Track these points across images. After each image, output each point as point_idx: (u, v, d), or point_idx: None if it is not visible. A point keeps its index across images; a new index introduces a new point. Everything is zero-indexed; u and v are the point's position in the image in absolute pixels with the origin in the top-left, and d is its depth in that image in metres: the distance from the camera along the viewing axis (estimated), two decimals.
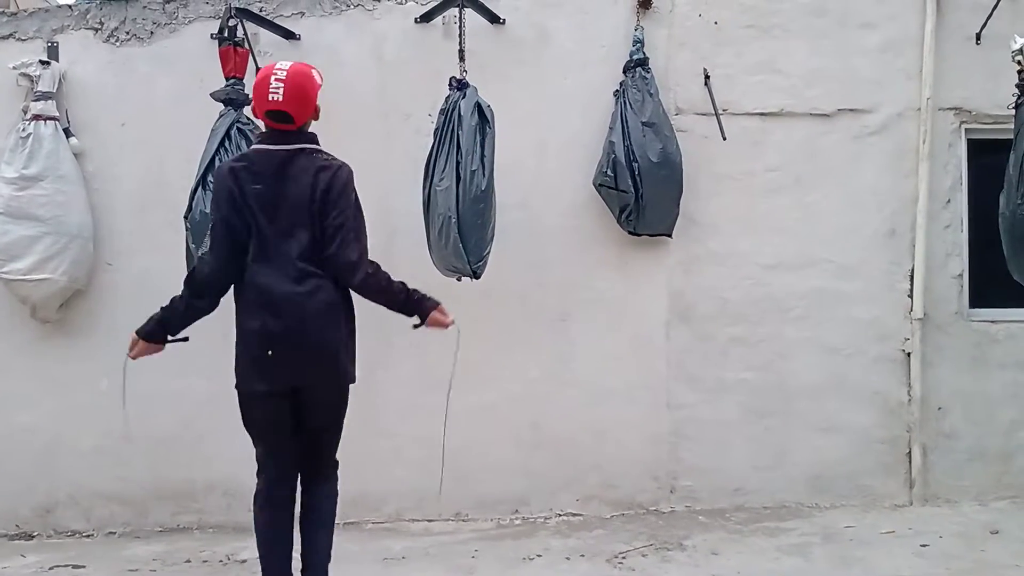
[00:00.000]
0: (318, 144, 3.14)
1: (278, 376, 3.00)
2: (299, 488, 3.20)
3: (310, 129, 3.15)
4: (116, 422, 4.68)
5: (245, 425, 3.12)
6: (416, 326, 3.27)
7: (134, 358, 3.12)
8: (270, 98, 2.96)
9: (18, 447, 4.75)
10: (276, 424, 3.07)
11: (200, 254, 3.17)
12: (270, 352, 2.96)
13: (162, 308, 3.09)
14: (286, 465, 3.13)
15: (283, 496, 3.13)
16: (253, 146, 3.19)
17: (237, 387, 3.07)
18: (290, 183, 3.01)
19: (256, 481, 3.15)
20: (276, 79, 2.96)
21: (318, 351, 3.02)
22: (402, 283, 3.17)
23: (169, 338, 3.13)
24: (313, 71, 3.12)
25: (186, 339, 3.16)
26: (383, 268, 3.15)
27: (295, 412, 3.08)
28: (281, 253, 2.98)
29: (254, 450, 3.14)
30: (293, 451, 3.13)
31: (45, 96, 4.60)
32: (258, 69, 4.48)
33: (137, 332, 3.09)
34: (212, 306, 3.11)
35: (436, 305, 3.24)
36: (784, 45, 4.70)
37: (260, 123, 3.22)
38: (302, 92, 3.03)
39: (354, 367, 3.20)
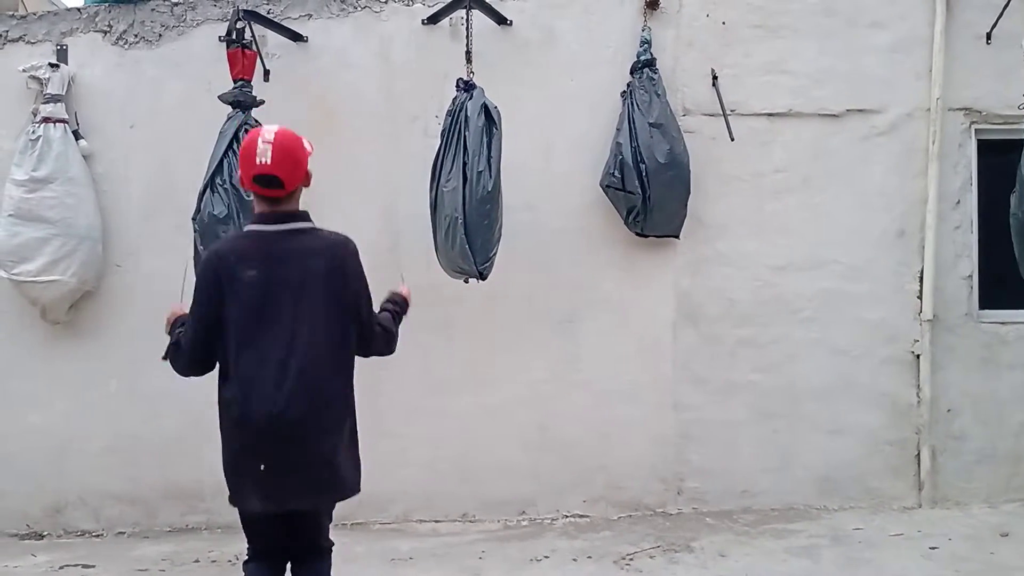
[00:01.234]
0: (311, 221, 2.89)
1: (277, 497, 2.74)
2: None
3: (300, 199, 2.88)
4: (125, 423, 4.74)
5: (246, 534, 2.94)
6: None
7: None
8: (258, 161, 2.70)
9: (28, 447, 4.78)
10: (271, 533, 2.88)
11: (175, 338, 2.85)
12: (262, 467, 2.67)
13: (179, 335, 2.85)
14: (277, 564, 2.97)
15: (280, 563, 2.97)
16: (245, 228, 2.92)
17: (229, 499, 2.82)
18: (295, 267, 2.76)
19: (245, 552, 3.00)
20: (264, 141, 2.73)
21: (321, 473, 2.78)
22: (388, 315, 3.06)
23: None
24: (303, 139, 2.86)
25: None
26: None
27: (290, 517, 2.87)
28: (284, 355, 2.68)
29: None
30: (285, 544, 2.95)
31: (54, 99, 4.64)
32: (266, 72, 4.54)
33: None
34: (188, 375, 2.86)
35: (402, 296, 3.21)
36: (792, 45, 4.68)
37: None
38: (291, 155, 2.77)
39: (359, 474, 2.98)
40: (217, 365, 2.77)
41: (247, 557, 2.97)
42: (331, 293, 2.78)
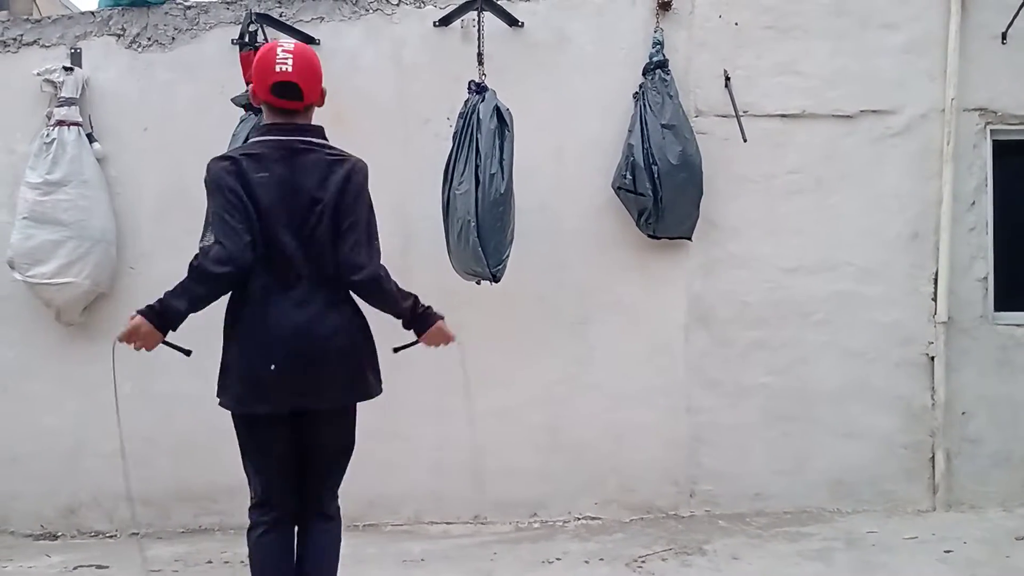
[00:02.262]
0: (326, 139, 2.83)
1: (293, 393, 2.69)
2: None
3: (314, 119, 2.82)
4: (139, 424, 4.73)
5: (244, 457, 2.83)
6: (397, 349, 3.07)
7: (127, 340, 2.63)
8: (278, 68, 2.63)
9: (43, 449, 4.81)
10: (282, 455, 2.80)
11: (203, 245, 2.75)
12: (272, 367, 2.64)
13: (168, 292, 2.66)
14: (286, 501, 2.86)
15: (288, 530, 2.87)
16: (253, 138, 2.82)
17: (232, 408, 2.75)
18: (302, 176, 2.69)
19: (249, 515, 2.86)
20: (284, 50, 2.67)
21: (345, 363, 2.78)
22: (411, 293, 2.93)
23: (170, 339, 2.70)
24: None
25: (188, 352, 2.80)
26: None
27: (302, 436, 2.82)
28: (292, 258, 2.67)
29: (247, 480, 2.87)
30: (296, 482, 2.87)
31: (68, 102, 4.66)
32: None
33: (142, 313, 2.62)
34: (229, 278, 2.65)
35: (441, 318, 3.03)
36: (805, 46, 4.65)
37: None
38: (311, 65, 2.72)
39: (379, 377, 2.96)
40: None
41: (251, 522, 2.83)
42: (331, 207, 2.70)
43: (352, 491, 4.70)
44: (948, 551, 4.05)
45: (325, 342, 2.71)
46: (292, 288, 2.68)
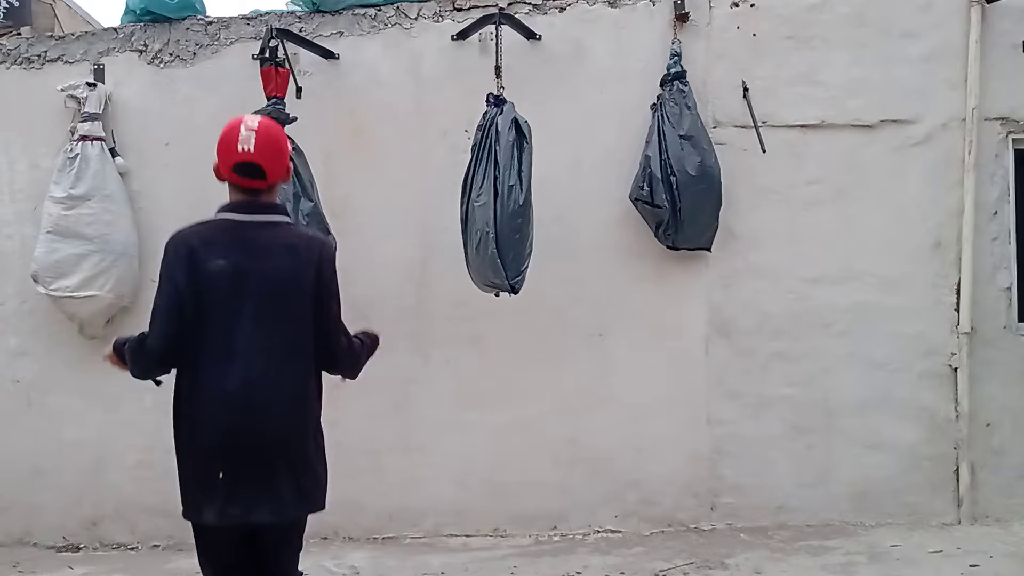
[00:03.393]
0: (288, 215, 2.78)
1: (238, 509, 2.52)
2: None
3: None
4: (161, 437, 4.76)
5: (201, 565, 2.70)
6: None
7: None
8: (240, 148, 2.53)
9: (66, 461, 4.85)
10: (233, 560, 2.66)
11: (133, 341, 2.64)
12: (221, 475, 2.49)
13: (126, 341, 2.66)
14: None
15: None
16: (214, 216, 2.66)
17: (186, 515, 2.63)
18: (264, 263, 2.55)
19: None
20: (247, 128, 2.56)
21: (285, 483, 2.58)
22: (358, 341, 2.82)
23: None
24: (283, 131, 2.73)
25: (159, 383, 2.74)
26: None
27: (253, 542, 2.66)
28: (249, 349, 2.52)
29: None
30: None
31: (92, 117, 4.72)
32: (299, 89, 4.58)
33: (113, 345, 2.68)
34: (157, 372, 2.66)
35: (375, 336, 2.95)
36: (824, 56, 4.64)
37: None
38: (275, 144, 2.63)
39: (325, 490, 2.75)
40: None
41: None
42: (303, 293, 2.58)
43: (372, 504, 4.76)
44: (974, 565, 3.99)
45: (284, 447, 2.56)
46: (244, 386, 2.51)
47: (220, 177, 2.67)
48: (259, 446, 2.52)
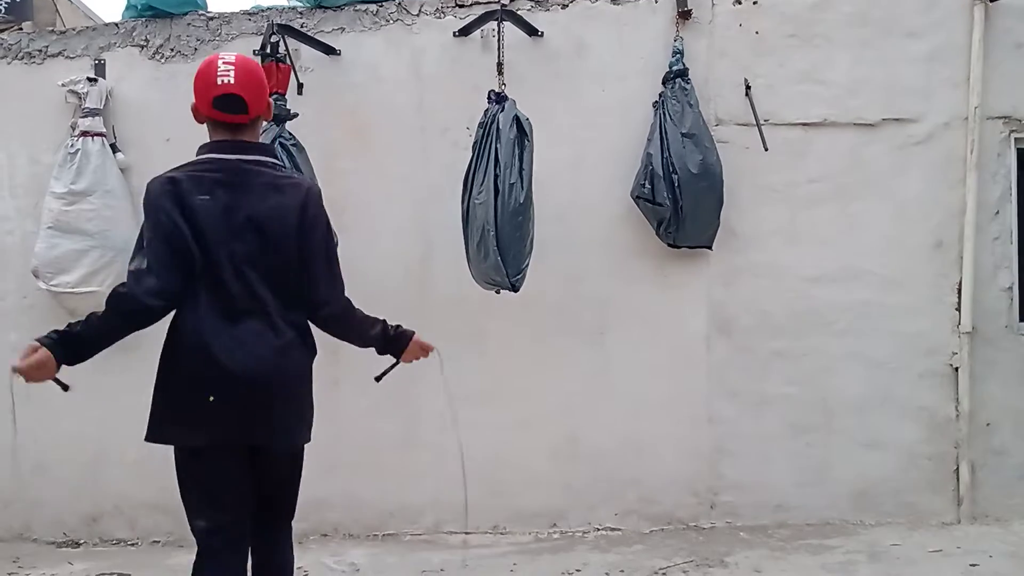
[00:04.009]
0: (276, 156, 2.69)
1: (237, 427, 2.50)
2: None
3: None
4: None
5: (183, 489, 2.61)
6: (379, 377, 2.98)
7: (21, 371, 2.38)
8: (219, 81, 2.45)
9: (65, 457, 4.85)
10: (233, 484, 2.58)
11: (133, 268, 2.49)
12: (211, 398, 2.46)
13: (78, 323, 2.47)
14: (243, 535, 2.65)
15: (245, 556, 2.67)
16: (197, 156, 2.58)
17: (175, 440, 2.55)
18: (250, 201, 2.50)
19: (200, 540, 2.63)
20: (224, 62, 2.48)
21: (290, 405, 2.62)
22: (377, 318, 2.80)
23: (58, 372, 2.46)
24: None
25: (67, 388, 2.56)
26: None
27: (253, 470, 2.64)
28: (237, 289, 2.48)
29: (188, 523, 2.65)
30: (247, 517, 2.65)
31: (92, 113, 4.71)
32: (300, 85, 4.57)
33: (40, 341, 2.39)
34: (157, 313, 2.49)
35: (414, 333, 2.91)
36: (827, 54, 4.62)
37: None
38: (255, 76, 2.54)
39: (311, 425, 2.76)
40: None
41: (205, 548, 2.60)
42: (291, 234, 2.53)
43: (372, 501, 4.77)
44: (973, 565, 3.99)
45: (272, 382, 2.53)
46: (237, 321, 2.48)
47: (199, 117, 2.59)
48: (251, 388, 2.49)
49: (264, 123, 4.17)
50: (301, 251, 2.56)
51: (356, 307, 2.75)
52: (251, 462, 2.61)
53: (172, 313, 2.54)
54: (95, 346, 2.47)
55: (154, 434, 2.56)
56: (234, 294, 2.48)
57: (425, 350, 2.95)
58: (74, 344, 2.43)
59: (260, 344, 2.50)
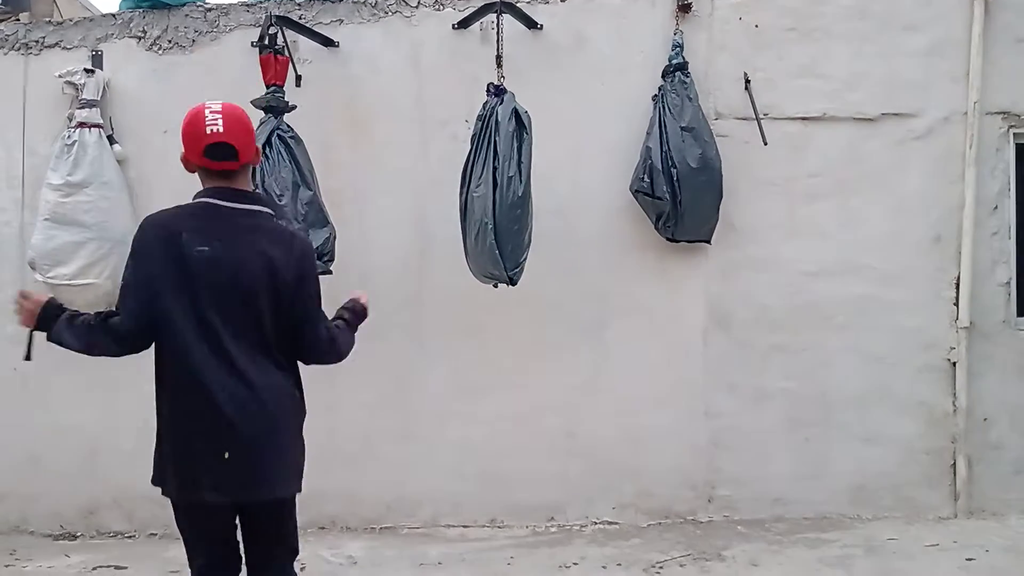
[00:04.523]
0: (267, 205, 2.73)
1: (233, 485, 2.53)
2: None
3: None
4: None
5: (184, 538, 2.66)
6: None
7: (22, 305, 2.61)
8: (208, 131, 2.48)
9: (63, 449, 4.84)
10: (225, 538, 2.67)
11: (116, 306, 2.58)
12: (227, 455, 2.49)
13: (69, 316, 2.59)
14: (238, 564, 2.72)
15: None
16: (193, 202, 2.62)
17: (170, 495, 2.59)
18: (248, 253, 2.53)
19: None
20: (212, 111, 2.51)
21: (283, 460, 2.65)
22: (342, 323, 2.85)
23: (32, 341, 2.66)
24: None
25: (29, 357, 2.72)
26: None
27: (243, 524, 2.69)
28: (235, 338, 2.51)
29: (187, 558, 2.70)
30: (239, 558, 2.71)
31: (89, 104, 4.68)
32: (298, 77, 4.55)
33: (48, 301, 2.61)
34: (118, 355, 2.59)
35: (362, 306, 2.95)
36: (826, 48, 4.62)
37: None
38: (243, 123, 2.58)
39: (302, 474, 2.79)
40: (154, 349, 2.57)
41: None
42: (286, 285, 2.56)
43: (369, 494, 4.77)
44: (970, 559, 4.01)
45: (269, 432, 2.58)
46: (233, 369, 2.51)
47: (190, 167, 2.62)
48: (245, 436, 2.52)
49: (268, 114, 4.22)
50: (295, 301, 2.61)
51: (334, 329, 2.78)
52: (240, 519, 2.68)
53: (158, 359, 2.59)
54: (71, 346, 2.60)
55: (156, 485, 2.64)
56: (227, 344, 2.50)
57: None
58: (63, 328, 2.57)
59: (252, 395, 2.53)
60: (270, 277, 2.55)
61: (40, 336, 2.63)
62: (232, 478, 2.52)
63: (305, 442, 2.78)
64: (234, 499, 2.59)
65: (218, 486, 2.52)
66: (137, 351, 2.59)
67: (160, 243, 2.50)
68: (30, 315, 2.59)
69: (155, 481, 2.62)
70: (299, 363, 2.73)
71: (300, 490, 2.74)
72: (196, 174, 2.64)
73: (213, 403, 2.48)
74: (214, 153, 2.52)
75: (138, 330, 2.53)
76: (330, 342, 2.74)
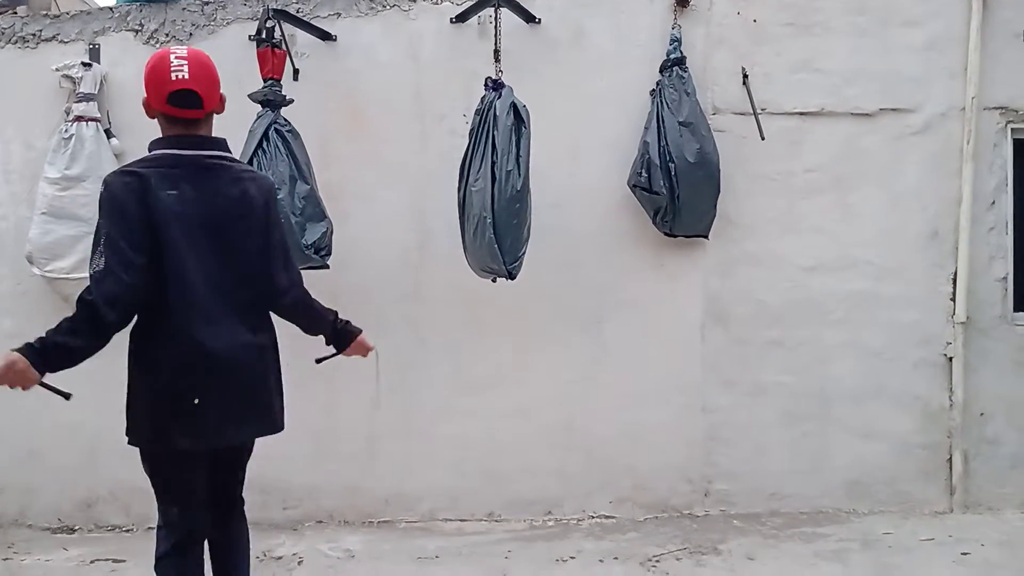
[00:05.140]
0: (230, 150, 2.69)
1: (218, 432, 2.57)
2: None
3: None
4: None
5: (159, 487, 2.70)
6: (319, 360, 3.04)
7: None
8: (173, 76, 2.43)
9: (61, 443, 4.84)
10: (200, 483, 2.70)
11: (93, 271, 2.43)
12: (196, 401, 2.50)
13: (52, 332, 2.43)
14: (204, 520, 2.75)
15: (199, 554, 2.75)
16: (154, 152, 2.54)
17: (151, 444, 2.63)
18: (216, 196, 2.52)
19: (158, 543, 2.75)
20: (177, 57, 2.47)
21: (266, 407, 2.70)
22: (331, 309, 2.91)
23: (47, 382, 2.51)
24: None
25: (68, 396, 2.64)
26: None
27: (217, 460, 2.76)
28: (207, 284, 2.49)
29: (157, 507, 2.76)
30: (207, 503, 2.76)
31: (87, 98, 4.67)
32: (295, 70, 4.55)
33: (20, 351, 2.40)
34: (120, 325, 2.48)
35: (360, 331, 2.98)
36: (824, 43, 4.61)
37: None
38: (209, 71, 2.54)
39: (283, 412, 2.83)
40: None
41: (168, 545, 2.69)
42: (256, 228, 2.58)
43: (368, 488, 4.78)
44: (965, 553, 4.03)
45: (250, 376, 2.61)
46: (209, 315, 2.50)
47: (151, 112, 2.57)
48: (228, 381, 2.55)
49: (266, 108, 4.21)
50: (266, 243, 2.63)
51: (303, 287, 2.84)
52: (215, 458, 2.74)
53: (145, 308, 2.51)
54: (70, 359, 2.46)
55: (129, 435, 2.70)
56: (202, 289, 2.50)
57: (366, 349, 3.02)
58: (47, 353, 2.41)
59: (231, 338, 2.55)
60: (241, 215, 2.56)
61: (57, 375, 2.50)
62: (235, 420, 2.58)
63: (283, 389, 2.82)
64: (236, 441, 2.68)
65: (199, 431, 2.55)
66: (135, 311, 2.47)
67: (129, 192, 2.42)
68: (19, 376, 2.41)
69: (142, 435, 2.64)
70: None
71: (276, 430, 2.80)
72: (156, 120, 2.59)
73: (204, 343, 2.48)
74: (178, 100, 2.48)
75: (131, 289, 2.39)
76: (304, 290, 2.80)
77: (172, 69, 2.46)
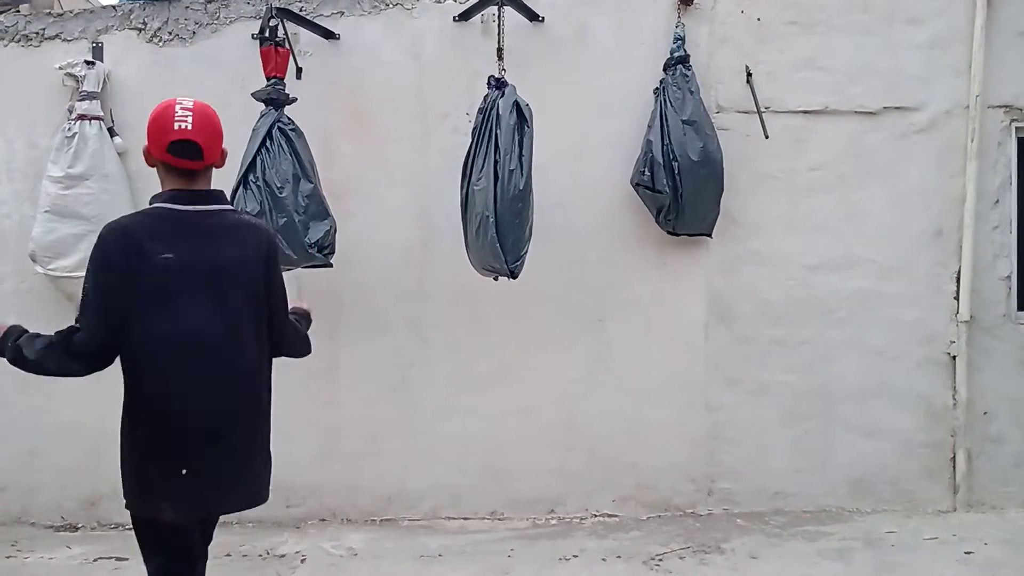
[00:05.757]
0: (229, 203, 2.69)
1: (202, 501, 2.51)
2: None
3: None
4: None
5: (148, 552, 2.64)
6: None
7: None
8: (176, 126, 2.41)
9: (64, 441, 4.85)
10: (183, 542, 2.63)
11: (75, 318, 2.45)
12: (184, 472, 2.44)
13: (29, 337, 2.46)
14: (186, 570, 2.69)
15: None
16: (153, 206, 2.51)
17: (144, 512, 2.59)
18: (213, 253, 2.48)
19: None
20: (182, 108, 2.45)
21: (246, 476, 2.61)
22: (299, 317, 2.88)
23: None
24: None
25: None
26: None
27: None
28: (203, 342, 2.44)
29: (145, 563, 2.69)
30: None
31: (90, 96, 4.67)
32: (299, 69, 4.55)
33: (9, 331, 2.49)
34: (83, 373, 2.47)
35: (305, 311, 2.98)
36: (828, 41, 4.60)
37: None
38: (212, 124, 2.51)
39: (270, 482, 2.77)
40: (123, 371, 2.49)
41: None
42: (255, 283, 2.54)
43: (370, 486, 4.78)
44: (968, 552, 4.03)
45: (243, 443, 2.56)
46: (204, 375, 2.46)
47: (151, 161, 2.55)
48: (221, 447, 2.49)
49: (269, 106, 4.21)
50: (265, 296, 2.59)
51: (299, 328, 2.83)
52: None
53: (129, 373, 2.50)
54: (24, 367, 2.46)
55: (126, 499, 2.62)
56: (198, 348, 2.44)
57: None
58: (20, 349, 2.44)
59: (226, 400, 2.49)
60: (241, 272, 2.51)
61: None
62: (233, 490, 2.55)
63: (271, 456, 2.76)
64: (233, 510, 2.65)
65: (222, 499, 2.55)
66: (98, 368, 2.47)
67: (121, 254, 2.39)
68: None
69: (139, 504, 2.58)
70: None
71: (260, 502, 2.73)
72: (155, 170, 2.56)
73: (184, 411, 2.43)
74: (178, 150, 2.45)
75: (96, 348, 2.41)
76: (303, 334, 2.82)
77: (176, 119, 2.44)
